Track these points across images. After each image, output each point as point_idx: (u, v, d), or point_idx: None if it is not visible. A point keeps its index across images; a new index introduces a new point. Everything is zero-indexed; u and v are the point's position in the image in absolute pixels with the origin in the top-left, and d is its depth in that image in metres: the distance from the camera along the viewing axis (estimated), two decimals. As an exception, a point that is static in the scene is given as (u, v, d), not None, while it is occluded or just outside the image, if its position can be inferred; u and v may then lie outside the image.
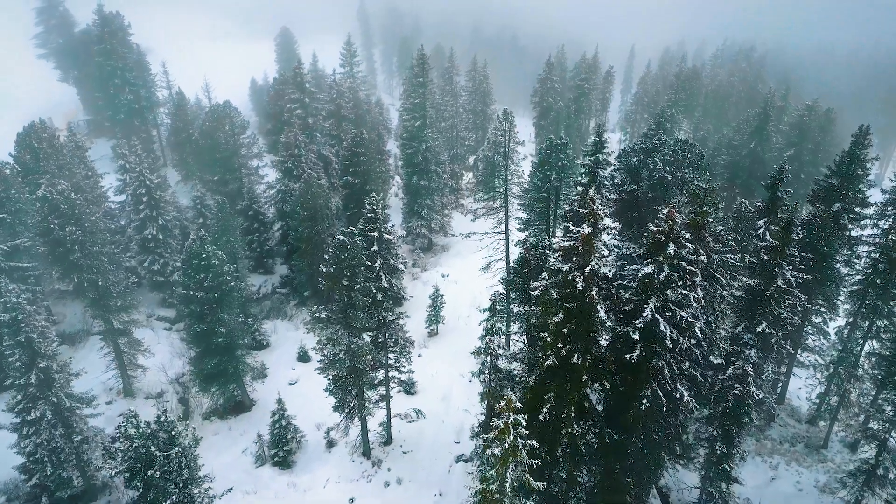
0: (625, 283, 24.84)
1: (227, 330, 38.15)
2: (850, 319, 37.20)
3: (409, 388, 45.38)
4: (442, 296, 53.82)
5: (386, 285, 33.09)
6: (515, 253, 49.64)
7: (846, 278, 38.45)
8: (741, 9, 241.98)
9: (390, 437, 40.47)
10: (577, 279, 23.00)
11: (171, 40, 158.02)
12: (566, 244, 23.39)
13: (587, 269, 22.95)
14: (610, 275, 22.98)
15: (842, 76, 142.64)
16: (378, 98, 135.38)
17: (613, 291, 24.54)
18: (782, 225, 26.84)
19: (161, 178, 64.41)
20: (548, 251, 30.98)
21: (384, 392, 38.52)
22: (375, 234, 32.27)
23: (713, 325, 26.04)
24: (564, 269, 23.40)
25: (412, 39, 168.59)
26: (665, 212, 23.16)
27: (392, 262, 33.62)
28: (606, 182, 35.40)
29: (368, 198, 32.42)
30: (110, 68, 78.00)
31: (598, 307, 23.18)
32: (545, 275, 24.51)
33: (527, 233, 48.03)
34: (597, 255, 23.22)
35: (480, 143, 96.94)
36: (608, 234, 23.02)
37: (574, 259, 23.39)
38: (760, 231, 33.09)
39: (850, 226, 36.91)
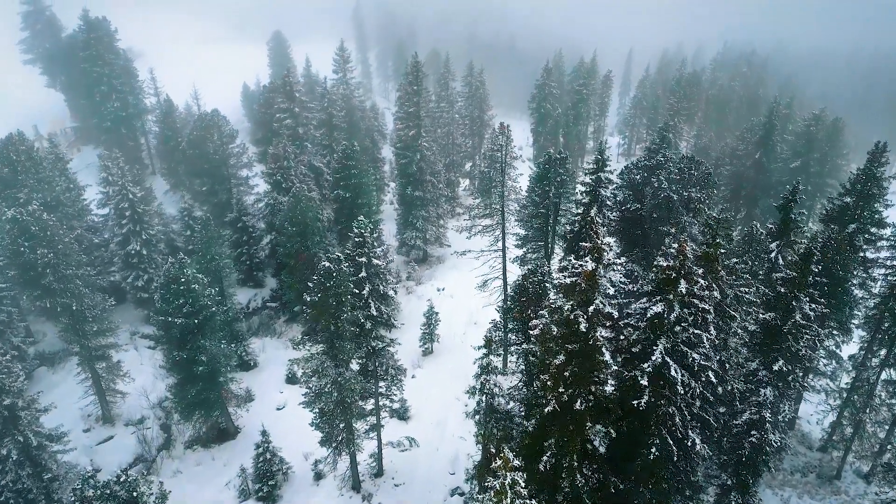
0: (631, 322, 22.83)
1: (208, 357, 36.09)
2: (866, 346, 35.27)
3: (401, 413, 43.41)
4: (437, 313, 51.84)
5: (375, 313, 31.09)
6: (513, 270, 47.80)
7: (860, 301, 36.54)
8: (739, 11, 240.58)
9: (381, 468, 38.46)
10: (581, 319, 21.06)
11: (164, 43, 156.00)
12: (568, 280, 21.42)
13: (591, 309, 21.00)
14: (616, 314, 21.00)
15: (843, 80, 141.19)
16: (373, 102, 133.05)
17: (619, 331, 22.57)
18: (801, 255, 24.93)
19: (147, 189, 62.59)
20: (547, 282, 29.02)
21: (375, 421, 36.56)
22: (363, 259, 30.25)
23: (726, 365, 24.12)
24: (566, 308, 21.44)
25: (408, 42, 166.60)
26: (675, 245, 21.17)
27: (382, 288, 31.60)
28: (609, 202, 33.45)
29: (356, 221, 30.41)
30: (96, 75, 75.78)
31: (603, 349, 21.23)
32: (545, 312, 22.53)
33: (524, 249, 46.14)
34: (601, 293, 21.28)
35: (477, 149, 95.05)
36: (614, 270, 21.00)
37: (576, 296, 21.44)
38: (773, 255, 31.24)
39: (865, 247, 34.99)
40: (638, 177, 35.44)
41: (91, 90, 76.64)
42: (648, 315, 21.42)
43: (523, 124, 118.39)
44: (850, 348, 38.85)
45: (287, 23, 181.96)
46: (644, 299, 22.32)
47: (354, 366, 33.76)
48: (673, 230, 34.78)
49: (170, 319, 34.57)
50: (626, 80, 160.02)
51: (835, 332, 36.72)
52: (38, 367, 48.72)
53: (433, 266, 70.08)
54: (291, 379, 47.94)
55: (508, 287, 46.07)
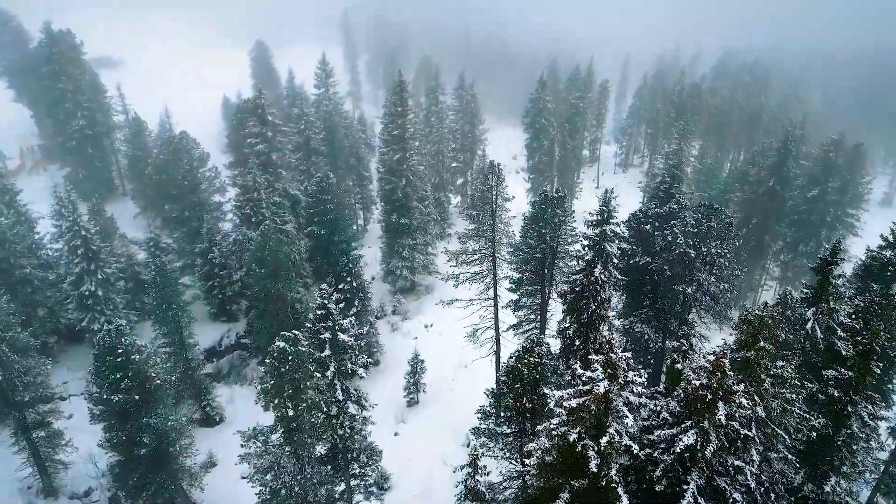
0: (655, 454, 18.10)
1: (154, 436, 31.20)
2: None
3: (380, 484, 38.55)
4: (423, 361, 47.11)
5: (342, 397, 26.31)
6: (506, 320, 43.03)
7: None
8: (737, 13, 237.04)
9: (355, 557, 33.64)
10: (590, 453, 16.33)
11: (146, 51, 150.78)
12: (573, 403, 16.68)
13: (603, 441, 16.28)
14: (635, 448, 16.27)
15: (846, 85, 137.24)
16: (361, 113, 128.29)
17: (641, 470, 17.87)
18: (859, 352, 20.34)
19: (107, 219, 57.44)
20: (546, 364, 24.29)
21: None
22: (328, 335, 25.48)
23: (771, 494, 19.48)
24: (572, 437, 16.71)
25: (400, 48, 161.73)
26: (710, 358, 16.47)
27: (351, 365, 26.84)
28: (615, 258, 28.77)
29: (320, 290, 25.66)
30: (59, 91, 70.70)
31: (619, 490, 16.53)
32: (544, 438, 17.77)
33: (518, 293, 41.37)
34: (617, 417, 16.58)
35: (469, 165, 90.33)
36: (632, 391, 16.28)
37: (585, 422, 16.73)
38: (809, 326, 26.64)
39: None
40: (648, 227, 30.79)
41: (54, 108, 71.59)
42: (678, 448, 16.72)
43: (517, 132, 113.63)
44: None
45: (275, 28, 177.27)
46: (670, 426, 17.59)
47: (319, 449, 29.05)
48: (690, 290, 30.19)
49: (105, 397, 29.67)
50: (622, 86, 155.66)
51: (872, 400, 32.14)
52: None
53: (421, 296, 65.30)
54: (260, 439, 43.01)
55: (501, 364, 41.60)
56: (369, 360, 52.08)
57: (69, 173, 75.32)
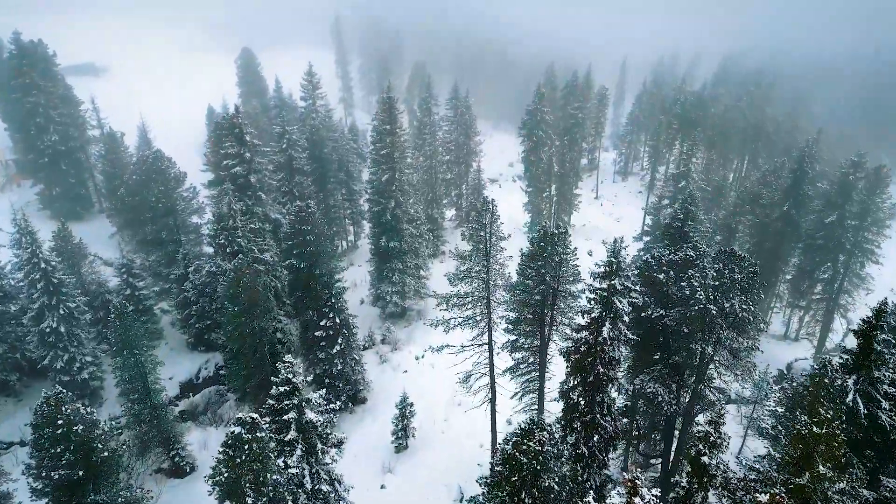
0: None
1: (103, 513, 27.51)
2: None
3: (364, 552, 34.98)
4: (411, 404, 43.44)
5: (309, 487, 22.65)
6: (501, 366, 39.41)
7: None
8: (736, 15, 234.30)
9: None
10: None
11: (132, 57, 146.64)
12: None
13: None
14: None
15: (849, 90, 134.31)
16: (353, 121, 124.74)
17: None
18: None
19: (75, 245, 53.54)
20: (547, 451, 20.75)
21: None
22: (293, 414, 21.84)
23: None
24: None
25: (393, 54, 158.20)
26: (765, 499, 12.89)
27: (322, 445, 23.20)
28: (626, 314, 25.19)
29: (281, 363, 22.02)
30: (30, 105, 66.92)
31: None
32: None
33: (515, 334, 37.77)
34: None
35: (464, 178, 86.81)
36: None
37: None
38: (849, 399, 23.19)
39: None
40: (661, 276, 27.25)
41: (25, 123, 67.76)
42: None
43: (514, 137, 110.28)
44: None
45: (265, 33, 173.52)
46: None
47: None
48: (709, 349, 26.67)
49: (44, 473, 25.98)
50: (620, 89, 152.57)
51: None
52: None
53: (412, 322, 61.70)
54: (233, 493, 39.34)
55: (497, 443, 38.29)
56: (358, 394, 48.73)
57: (42, 191, 71.51)
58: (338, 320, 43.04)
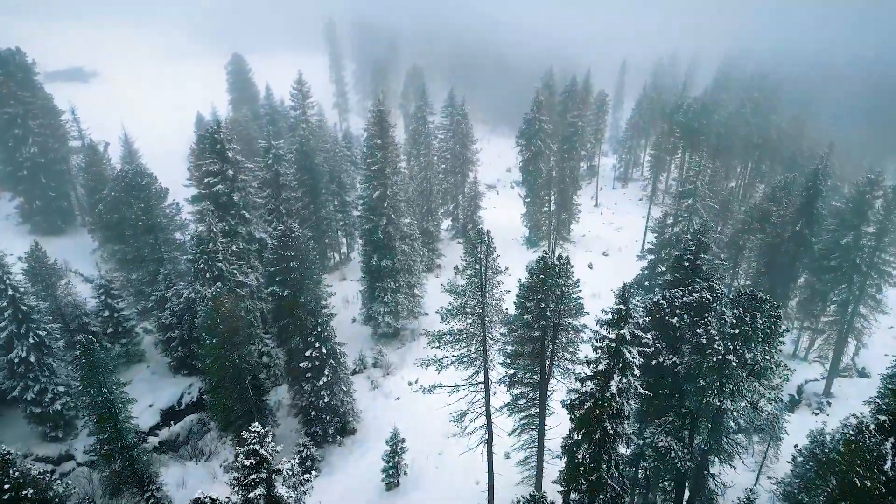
0: None
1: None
2: None
3: None
4: (403, 440, 40.84)
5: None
6: (496, 404, 36.76)
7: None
8: (734, 17, 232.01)
9: None
10: None
11: (119, 62, 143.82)
12: None
13: None
14: None
15: (850, 94, 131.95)
16: (347, 127, 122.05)
17: None
18: None
19: (50, 267, 50.78)
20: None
21: None
22: (261, 489, 19.23)
23: None
24: None
25: (389, 56, 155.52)
26: None
27: (296, 519, 20.61)
28: (636, 366, 22.61)
29: (247, 431, 19.43)
30: (8, 117, 64.21)
31: None
32: None
33: (512, 369, 35.16)
34: None
35: (459, 188, 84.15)
36: None
37: None
38: (887, 466, 20.65)
39: None
40: (675, 320, 24.69)
41: (3, 134, 65.05)
42: None
43: (511, 143, 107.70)
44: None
45: (257, 37, 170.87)
46: None
47: None
48: (728, 403, 24.10)
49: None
50: (619, 92, 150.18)
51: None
52: None
53: (405, 343, 59.09)
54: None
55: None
56: (347, 425, 46.17)
57: (21, 204, 68.84)
58: (324, 350, 40.42)
